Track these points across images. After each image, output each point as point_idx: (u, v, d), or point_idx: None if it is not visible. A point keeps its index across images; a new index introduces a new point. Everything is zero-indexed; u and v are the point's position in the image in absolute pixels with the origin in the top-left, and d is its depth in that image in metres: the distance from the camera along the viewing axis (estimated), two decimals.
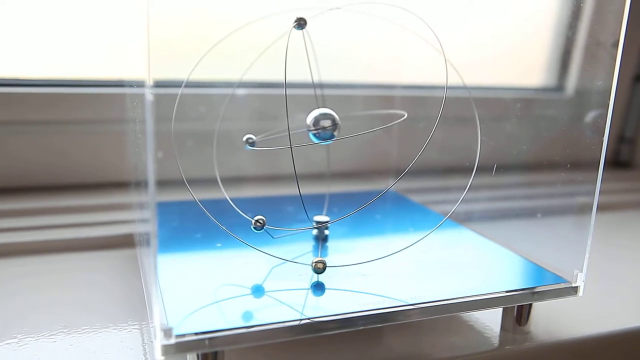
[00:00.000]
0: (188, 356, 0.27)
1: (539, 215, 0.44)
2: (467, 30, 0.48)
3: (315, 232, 0.38)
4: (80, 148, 0.51)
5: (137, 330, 0.32)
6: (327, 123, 0.34)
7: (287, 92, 0.55)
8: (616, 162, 0.75)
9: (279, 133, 0.38)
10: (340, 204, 0.46)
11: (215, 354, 0.27)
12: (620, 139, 0.75)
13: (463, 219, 0.43)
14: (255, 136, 0.38)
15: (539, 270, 0.35)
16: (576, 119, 0.37)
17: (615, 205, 0.62)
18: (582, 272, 0.33)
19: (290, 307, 0.29)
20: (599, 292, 0.40)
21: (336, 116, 0.35)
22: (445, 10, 0.41)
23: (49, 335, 0.31)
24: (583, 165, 0.34)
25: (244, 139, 0.38)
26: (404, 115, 0.37)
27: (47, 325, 0.32)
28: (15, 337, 0.31)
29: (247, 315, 0.27)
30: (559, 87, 0.66)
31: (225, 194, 0.37)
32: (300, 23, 0.35)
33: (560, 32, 0.59)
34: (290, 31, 0.34)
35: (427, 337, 0.33)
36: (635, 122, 0.74)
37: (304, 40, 0.37)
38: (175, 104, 0.38)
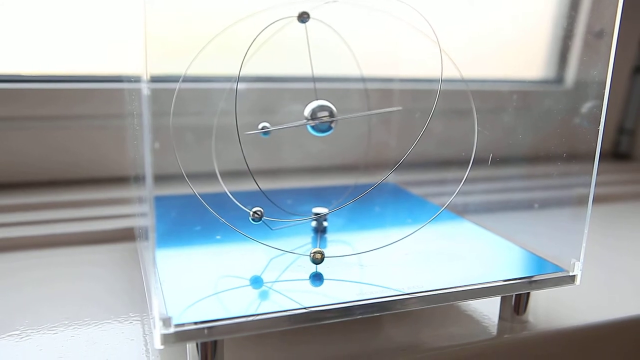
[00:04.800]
0: (188, 346, 0.27)
1: (536, 205, 0.44)
2: (466, 23, 0.48)
3: (314, 223, 0.39)
4: (80, 143, 0.52)
5: (137, 322, 0.33)
6: (324, 114, 0.35)
7: (289, 86, 0.55)
8: (616, 154, 0.75)
9: (291, 124, 0.39)
10: (339, 196, 0.46)
11: (215, 343, 0.27)
12: (620, 130, 0.75)
13: (461, 210, 0.43)
14: (254, 130, 0.39)
15: (536, 260, 0.35)
16: (575, 110, 0.37)
17: (615, 196, 0.62)
18: (579, 261, 0.33)
19: (289, 297, 0.29)
20: (596, 282, 0.40)
21: (333, 108, 0.35)
22: (443, 3, 0.41)
23: (51, 327, 0.32)
24: (581, 156, 0.34)
25: (260, 126, 0.38)
26: (400, 108, 0.38)
27: (48, 318, 0.33)
28: (18, 329, 0.31)
29: (246, 305, 0.28)
30: (559, 79, 0.66)
31: (224, 186, 0.37)
32: (303, 17, 0.35)
33: (558, 23, 0.59)
34: (269, 25, 0.35)
35: (426, 327, 0.34)
36: (634, 113, 0.74)
37: (306, 34, 0.37)
38: (174, 99, 0.38)
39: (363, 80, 0.46)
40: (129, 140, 0.44)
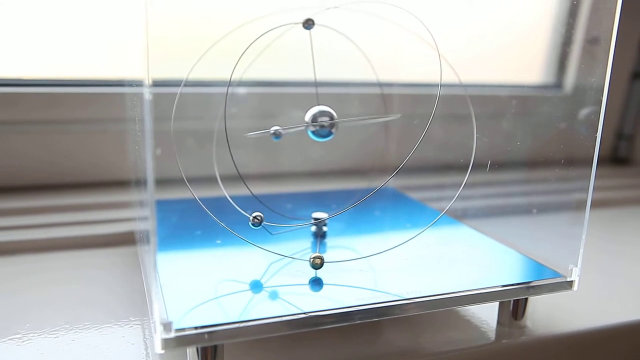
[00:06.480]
0: (188, 350, 0.28)
1: (534, 210, 0.44)
2: (464, 28, 0.49)
3: (313, 228, 0.39)
4: (81, 147, 0.52)
5: (138, 326, 0.33)
6: (324, 120, 0.35)
7: (290, 91, 0.55)
8: (614, 159, 0.76)
9: (295, 127, 0.39)
10: (339, 201, 0.46)
11: (215, 348, 0.27)
12: (618, 135, 0.75)
13: (460, 215, 0.43)
14: (253, 132, 0.39)
15: (534, 265, 0.35)
16: (573, 116, 0.38)
17: (614, 201, 0.62)
18: (577, 266, 0.33)
19: (289, 302, 0.29)
20: (594, 287, 0.40)
21: (334, 113, 0.35)
22: (442, 9, 0.42)
23: (52, 331, 0.32)
24: (579, 161, 0.35)
25: (272, 130, 0.39)
26: (399, 116, 0.38)
27: (49, 321, 0.33)
28: (19, 333, 0.32)
29: (246, 309, 0.28)
30: (558, 84, 0.66)
31: (224, 191, 0.37)
32: (309, 23, 0.36)
33: (557, 29, 0.59)
34: (266, 32, 0.35)
35: (425, 332, 0.34)
36: (633, 118, 0.74)
37: (310, 40, 0.37)
38: (175, 103, 0.38)
39: (379, 85, 0.46)
40: (130, 145, 0.44)
